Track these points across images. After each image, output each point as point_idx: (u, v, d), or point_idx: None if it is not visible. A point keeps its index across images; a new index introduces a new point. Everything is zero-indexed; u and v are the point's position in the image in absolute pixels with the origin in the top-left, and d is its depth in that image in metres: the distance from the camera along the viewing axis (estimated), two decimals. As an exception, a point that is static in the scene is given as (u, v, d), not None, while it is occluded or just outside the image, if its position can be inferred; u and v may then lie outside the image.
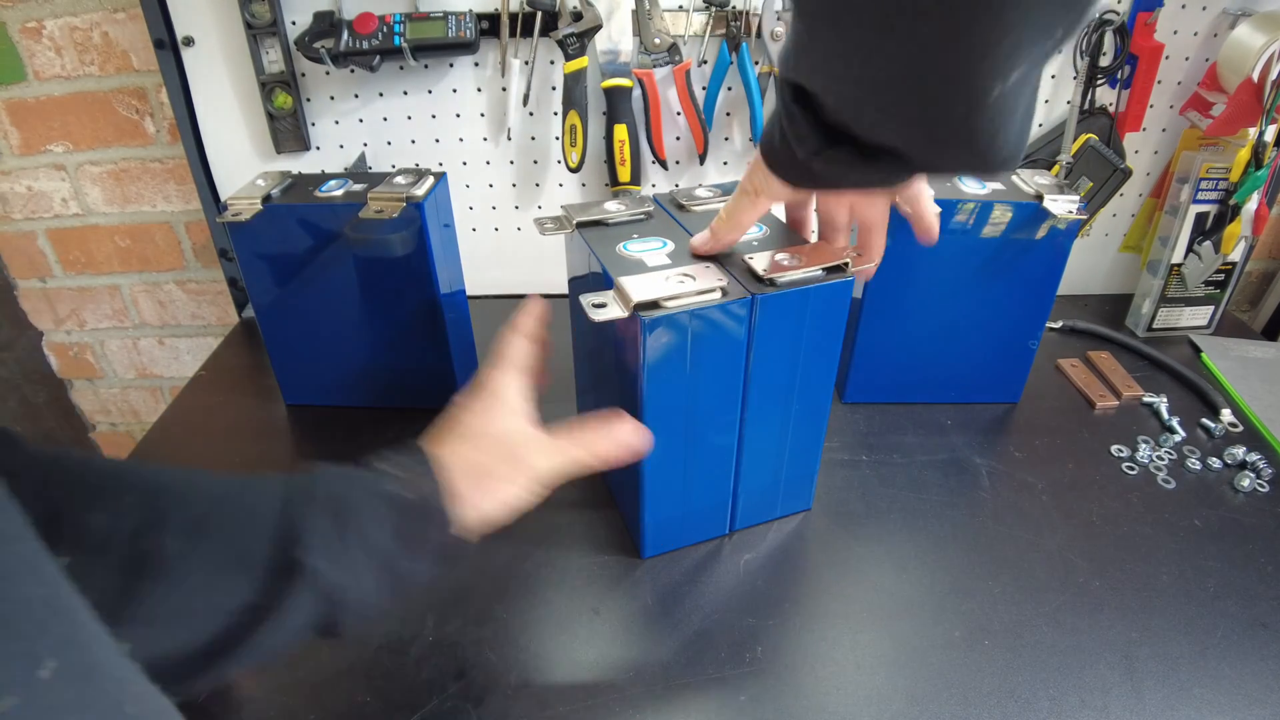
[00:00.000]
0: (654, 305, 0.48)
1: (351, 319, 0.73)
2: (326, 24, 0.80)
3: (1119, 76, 0.84)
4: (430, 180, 0.69)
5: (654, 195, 0.66)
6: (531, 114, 0.88)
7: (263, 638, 0.36)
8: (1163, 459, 0.72)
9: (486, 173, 0.92)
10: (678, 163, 0.92)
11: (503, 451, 0.44)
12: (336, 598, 0.37)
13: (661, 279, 0.50)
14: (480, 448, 0.44)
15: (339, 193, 0.68)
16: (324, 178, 0.71)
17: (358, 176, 0.71)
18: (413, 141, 0.90)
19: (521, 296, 1.00)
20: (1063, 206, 0.66)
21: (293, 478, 0.38)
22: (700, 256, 0.54)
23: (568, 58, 0.81)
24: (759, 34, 0.81)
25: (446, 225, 0.73)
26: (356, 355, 0.75)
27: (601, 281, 0.54)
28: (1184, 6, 0.82)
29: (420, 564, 0.40)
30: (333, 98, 0.87)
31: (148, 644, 0.33)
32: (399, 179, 0.69)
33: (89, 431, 1.29)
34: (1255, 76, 0.76)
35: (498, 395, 0.47)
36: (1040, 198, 0.67)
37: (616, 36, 0.82)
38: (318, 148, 0.90)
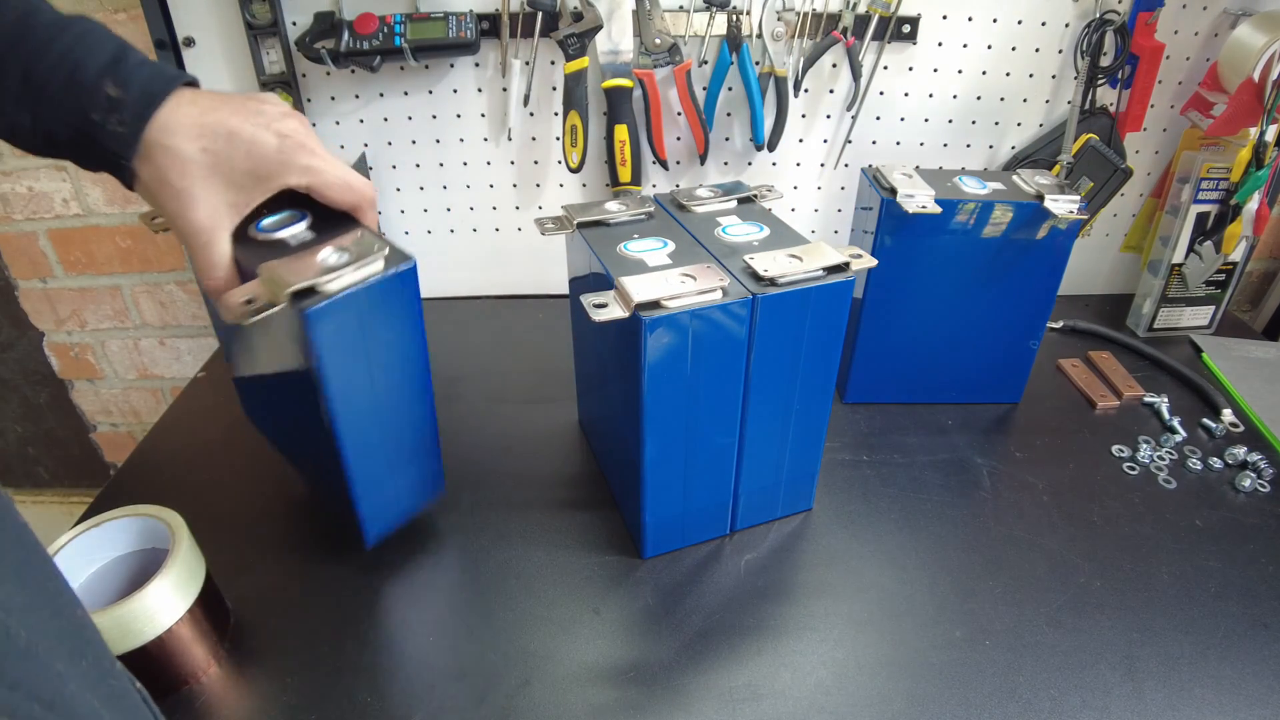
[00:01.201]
0: (655, 305, 0.48)
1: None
2: (327, 24, 0.80)
3: (1120, 76, 0.84)
4: (373, 267, 0.46)
5: (655, 195, 0.66)
6: (532, 114, 0.88)
7: None
8: (1164, 459, 0.72)
9: (487, 173, 0.92)
10: (678, 163, 0.92)
11: (243, 165, 0.44)
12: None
13: (662, 279, 0.50)
14: (219, 137, 0.43)
15: (283, 234, 0.48)
16: (270, 210, 0.49)
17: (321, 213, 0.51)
18: (413, 142, 0.90)
19: (521, 297, 1.01)
20: (1063, 206, 0.66)
21: (39, 28, 0.41)
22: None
23: (568, 58, 0.81)
24: (759, 34, 0.81)
25: (389, 334, 0.50)
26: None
27: (602, 282, 0.54)
28: (1185, 6, 0.82)
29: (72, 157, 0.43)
30: (333, 98, 0.87)
31: None
32: (336, 249, 0.46)
33: (90, 432, 1.29)
34: (1256, 76, 0.76)
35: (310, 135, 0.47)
36: (1041, 198, 0.67)
37: (617, 37, 0.82)
38: (318, 148, 0.90)
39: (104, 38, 0.42)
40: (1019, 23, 0.83)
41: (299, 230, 0.49)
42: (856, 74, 0.84)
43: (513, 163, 0.92)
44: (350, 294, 0.44)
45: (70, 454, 1.31)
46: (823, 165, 0.92)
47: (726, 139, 0.90)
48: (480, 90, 0.87)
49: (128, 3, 0.88)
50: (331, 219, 0.49)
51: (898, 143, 0.90)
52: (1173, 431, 0.75)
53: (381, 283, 0.46)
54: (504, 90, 0.86)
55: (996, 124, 0.89)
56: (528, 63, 0.84)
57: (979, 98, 0.88)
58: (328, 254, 0.45)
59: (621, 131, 0.85)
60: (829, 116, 0.89)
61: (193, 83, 0.45)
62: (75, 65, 0.40)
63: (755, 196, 0.66)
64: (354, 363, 0.48)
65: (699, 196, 0.64)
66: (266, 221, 0.49)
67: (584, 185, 0.93)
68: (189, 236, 0.44)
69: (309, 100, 0.87)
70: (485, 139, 0.90)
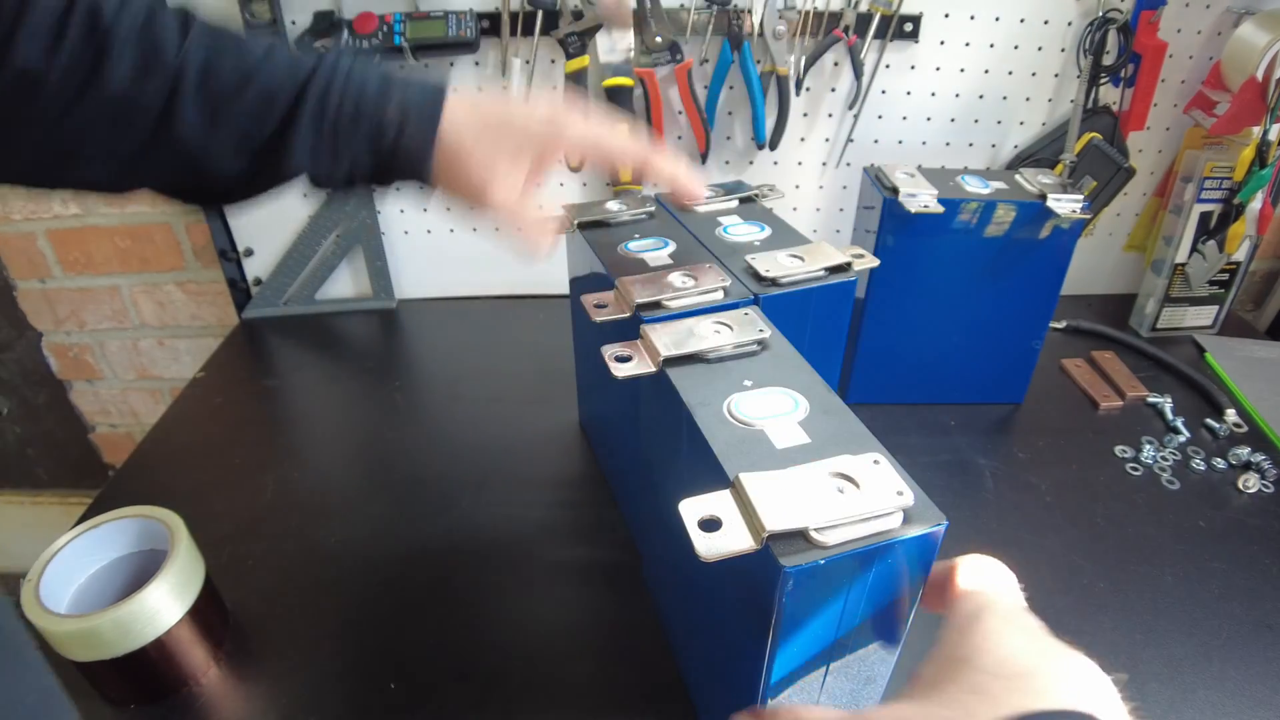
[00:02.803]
0: (655, 305, 0.48)
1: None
2: (326, 24, 0.80)
3: (1122, 75, 0.84)
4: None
5: (655, 195, 0.66)
6: (532, 113, 0.88)
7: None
8: (1167, 460, 0.72)
9: (487, 172, 0.92)
10: (679, 162, 0.91)
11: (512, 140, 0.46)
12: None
13: (664, 278, 0.50)
14: (493, 135, 0.46)
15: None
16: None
17: None
18: (413, 141, 0.90)
19: (521, 297, 1.00)
20: (1066, 206, 0.66)
21: (316, 77, 0.42)
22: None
23: (569, 56, 0.81)
24: (761, 32, 0.81)
25: (882, 597, 0.40)
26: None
27: (603, 282, 0.54)
28: (1187, 5, 0.82)
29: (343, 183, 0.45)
30: (333, 97, 0.87)
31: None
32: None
33: (89, 432, 1.28)
34: (1260, 75, 0.76)
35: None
36: (1044, 197, 0.66)
37: (617, 35, 0.81)
38: (318, 147, 0.89)
39: (365, 67, 0.44)
40: (1021, 21, 0.83)
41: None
42: (858, 72, 0.84)
43: (513, 162, 0.91)
44: (852, 555, 0.34)
45: (69, 455, 1.31)
46: (824, 164, 0.92)
47: (728, 138, 0.90)
48: (480, 89, 0.86)
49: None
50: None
51: (900, 142, 0.90)
52: (1176, 432, 0.75)
53: (901, 545, 0.36)
54: (504, 89, 0.86)
55: (999, 123, 0.89)
56: (528, 61, 0.84)
57: (981, 96, 0.87)
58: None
59: (622, 131, 0.84)
60: (831, 115, 0.88)
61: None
62: (358, 103, 0.43)
63: (756, 196, 0.65)
64: (820, 628, 0.38)
65: (700, 196, 0.64)
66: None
67: (584, 184, 0.93)
68: (483, 202, 0.48)
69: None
70: (485, 138, 0.90)
